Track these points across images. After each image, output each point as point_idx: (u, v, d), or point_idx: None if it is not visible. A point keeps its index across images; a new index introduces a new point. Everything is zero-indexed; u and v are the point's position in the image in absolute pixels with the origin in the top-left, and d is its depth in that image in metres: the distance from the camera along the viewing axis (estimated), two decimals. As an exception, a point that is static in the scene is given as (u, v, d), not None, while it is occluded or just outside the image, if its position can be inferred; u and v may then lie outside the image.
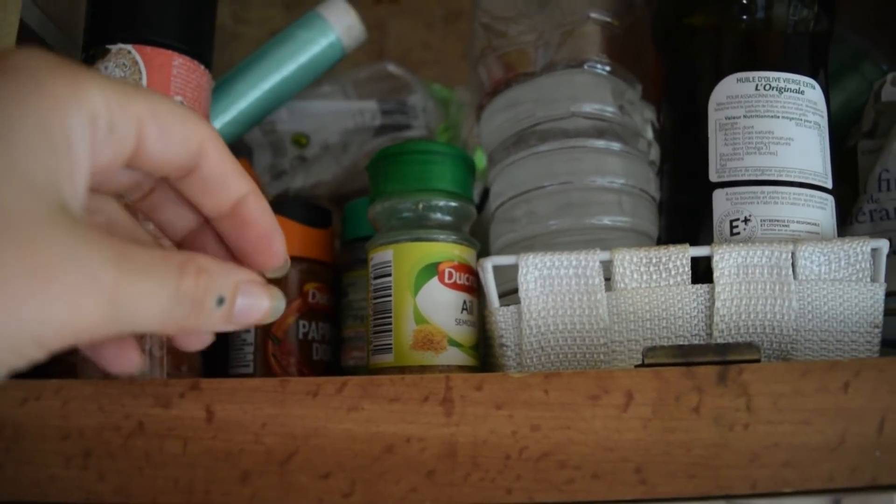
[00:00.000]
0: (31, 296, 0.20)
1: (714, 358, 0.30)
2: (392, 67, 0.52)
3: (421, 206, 0.37)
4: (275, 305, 0.26)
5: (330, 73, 0.52)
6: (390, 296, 0.36)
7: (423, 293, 0.35)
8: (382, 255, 0.37)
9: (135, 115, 0.23)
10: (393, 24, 0.72)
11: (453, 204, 0.38)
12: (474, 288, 0.37)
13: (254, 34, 0.72)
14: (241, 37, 0.72)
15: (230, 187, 0.26)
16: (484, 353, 0.38)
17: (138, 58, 0.40)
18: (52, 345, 0.21)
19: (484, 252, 0.39)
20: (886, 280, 0.35)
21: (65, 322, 0.20)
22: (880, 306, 0.35)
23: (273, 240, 0.27)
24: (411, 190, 0.37)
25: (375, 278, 0.37)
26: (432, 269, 0.36)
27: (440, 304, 0.35)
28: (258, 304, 0.25)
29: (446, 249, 0.36)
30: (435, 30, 0.71)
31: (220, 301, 0.24)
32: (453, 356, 0.35)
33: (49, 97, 0.21)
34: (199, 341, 0.27)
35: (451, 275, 0.36)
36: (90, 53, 0.40)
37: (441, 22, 0.71)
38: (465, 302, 0.36)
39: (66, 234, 0.21)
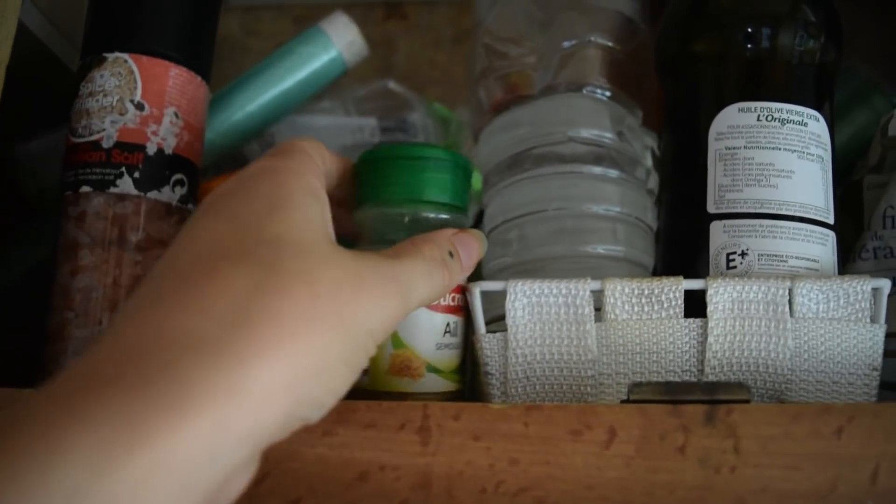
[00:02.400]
0: (358, 298, 0.25)
1: (702, 397, 0.29)
2: (393, 85, 0.52)
3: (407, 218, 0.34)
4: (482, 246, 0.33)
5: (332, 89, 0.51)
6: None
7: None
8: None
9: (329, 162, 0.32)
10: (401, 41, 0.72)
11: (444, 216, 0.35)
12: (461, 307, 0.35)
13: (263, 47, 0.72)
14: (250, 49, 0.72)
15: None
16: (472, 378, 0.37)
17: (134, 67, 0.39)
18: (380, 336, 0.26)
19: (476, 274, 0.38)
20: (887, 321, 0.34)
21: (384, 313, 0.26)
22: (879, 348, 0.34)
23: None
24: (398, 200, 0.34)
25: None
26: None
27: (421, 329, 0.34)
28: (473, 249, 0.32)
29: None
30: (443, 49, 0.71)
31: (451, 254, 0.30)
32: (431, 383, 0.34)
33: (292, 173, 0.28)
34: None
35: None
36: (87, 62, 0.40)
37: (449, 41, 0.71)
38: (448, 324, 0.34)
39: (348, 252, 0.27)
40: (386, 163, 0.35)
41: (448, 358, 0.35)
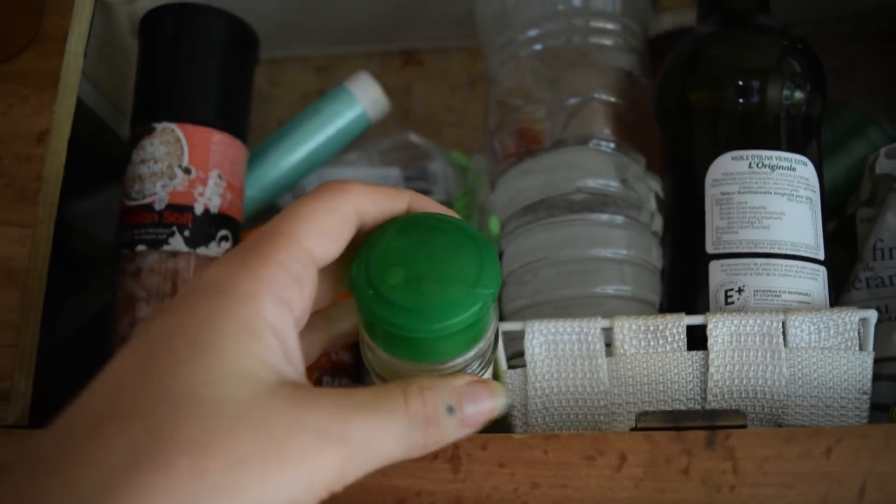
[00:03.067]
0: (269, 471, 0.22)
1: (703, 423, 0.32)
2: (413, 137, 0.56)
3: (421, 369, 0.29)
4: (497, 403, 0.28)
5: (357, 142, 0.55)
6: None
7: None
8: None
9: (311, 259, 0.26)
10: (418, 87, 0.76)
11: (471, 354, 0.29)
12: None
13: (287, 97, 0.76)
14: (275, 99, 0.76)
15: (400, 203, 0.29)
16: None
17: (181, 135, 0.43)
18: (313, 500, 0.23)
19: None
20: (876, 348, 0.37)
21: (312, 481, 0.23)
22: (869, 374, 0.37)
23: None
24: (409, 359, 0.28)
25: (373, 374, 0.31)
26: None
27: None
28: (484, 406, 0.27)
29: None
30: (458, 93, 0.75)
31: (450, 410, 0.26)
32: None
33: (238, 297, 0.24)
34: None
35: None
36: (137, 131, 0.44)
37: (464, 86, 0.75)
38: None
39: (287, 405, 0.23)
40: (395, 335, 0.27)
41: None
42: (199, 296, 0.24)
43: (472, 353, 0.29)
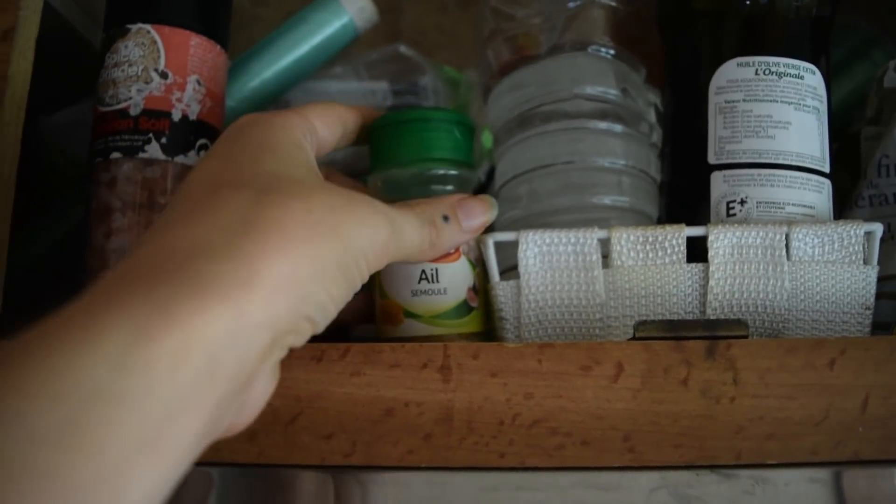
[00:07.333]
0: (352, 217, 0.28)
1: (703, 333, 0.31)
2: (403, 49, 0.53)
3: (415, 177, 0.37)
4: (490, 214, 0.35)
5: (343, 55, 0.53)
6: None
7: (386, 267, 0.34)
8: None
9: (314, 131, 0.34)
10: (408, 8, 0.73)
11: (452, 172, 0.37)
12: (448, 254, 0.36)
13: (271, 15, 0.73)
14: (259, 18, 0.73)
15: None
16: (489, 325, 0.39)
17: (157, 37, 0.41)
18: (372, 260, 0.29)
19: (489, 229, 0.40)
20: (880, 263, 0.36)
21: (375, 235, 0.29)
22: (872, 288, 0.36)
23: None
24: (405, 160, 0.37)
25: None
26: None
27: (395, 277, 0.36)
28: (473, 208, 0.34)
29: None
30: (448, 13, 0.72)
31: (446, 218, 0.33)
32: (408, 328, 0.35)
33: (281, 128, 0.31)
34: None
35: None
36: (110, 34, 0.42)
37: (454, 6, 0.72)
38: (423, 272, 0.35)
39: (341, 188, 0.29)
40: (391, 128, 0.37)
41: (427, 304, 0.36)
42: (249, 125, 0.31)
43: (457, 172, 0.37)
